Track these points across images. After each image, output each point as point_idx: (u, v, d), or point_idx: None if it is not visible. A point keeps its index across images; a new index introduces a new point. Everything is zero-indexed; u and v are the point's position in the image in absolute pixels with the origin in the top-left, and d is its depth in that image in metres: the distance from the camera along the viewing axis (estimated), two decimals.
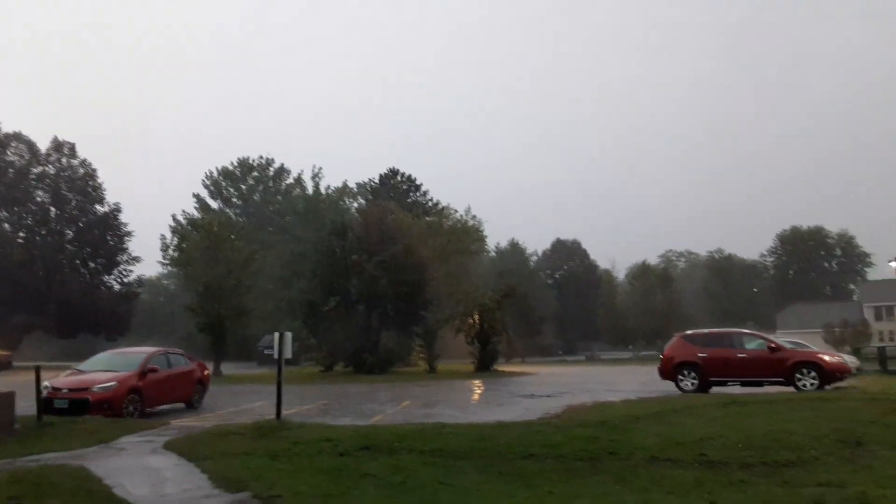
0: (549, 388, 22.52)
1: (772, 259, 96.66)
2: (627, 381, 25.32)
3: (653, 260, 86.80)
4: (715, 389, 18.19)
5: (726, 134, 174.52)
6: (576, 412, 13.54)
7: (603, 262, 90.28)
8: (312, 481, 7.84)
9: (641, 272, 70.39)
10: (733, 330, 21.13)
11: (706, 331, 21.02)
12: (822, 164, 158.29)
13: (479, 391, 23.21)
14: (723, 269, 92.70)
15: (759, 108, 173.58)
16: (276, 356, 12.67)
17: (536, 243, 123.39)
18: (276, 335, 12.74)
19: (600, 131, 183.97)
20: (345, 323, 35.92)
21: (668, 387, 18.68)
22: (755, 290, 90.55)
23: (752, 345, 18.68)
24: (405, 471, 8.31)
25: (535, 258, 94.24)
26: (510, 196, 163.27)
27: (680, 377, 18.64)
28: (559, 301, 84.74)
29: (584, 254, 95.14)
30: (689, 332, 20.89)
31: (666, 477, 8.04)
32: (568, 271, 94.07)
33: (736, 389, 17.92)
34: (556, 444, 9.56)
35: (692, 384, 18.34)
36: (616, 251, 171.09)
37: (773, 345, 18.46)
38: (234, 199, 69.49)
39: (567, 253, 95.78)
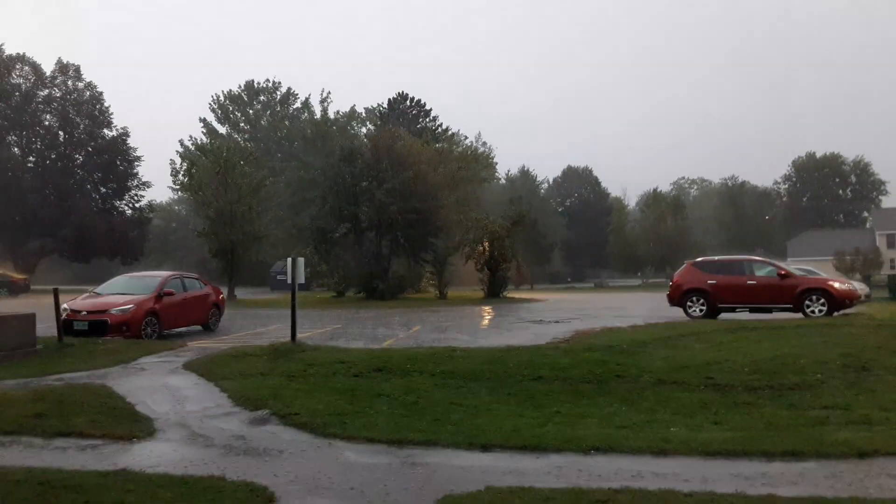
0: (557, 314, 22.79)
1: (786, 186, 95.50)
2: (636, 307, 25.54)
3: (665, 187, 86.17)
4: (723, 316, 18.35)
5: (744, 59, 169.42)
6: (584, 337, 13.73)
7: (614, 190, 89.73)
8: (328, 400, 8.08)
9: (653, 199, 69.88)
10: (743, 257, 21.11)
11: (716, 258, 21.03)
12: (841, 90, 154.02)
13: (488, 317, 23.54)
14: (735, 196, 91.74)
15: (777, 32, 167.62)
16: (289, 281, 12.82)
17: (548, 171, 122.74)
18: (289, 260, 12.85)
19: (614, 56, 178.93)
20: (355, 250, 36.16)
21: (677, 313, 18.85)
22: (767, 217, 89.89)
23: (761, 272, 18.70)
24: (417, 391, 8.54)
25: (545, 186, 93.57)
26: (522, 123, 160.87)
27: (688, 304, 18.77)
28: (569, 228, 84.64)
29: (596, 181, 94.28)
30: (698, 259, 20.88)
31: (672, 399, 8.23)
32: (579, 199, 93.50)
33: (744, 316, 18.07)
34: (564, 367, 9.75)
35: (700, 310, 18.49)
36: (628, 179, 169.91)
37: (782, 272, 18.48)
38: (242, 124, 68.70)
39: (578, 180, 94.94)
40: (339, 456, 6.08)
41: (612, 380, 9.15)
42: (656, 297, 26.48)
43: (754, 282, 18.34)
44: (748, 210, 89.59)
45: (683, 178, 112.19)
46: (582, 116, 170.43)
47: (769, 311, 18.05)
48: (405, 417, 7.37)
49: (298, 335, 13.00)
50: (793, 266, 21.45)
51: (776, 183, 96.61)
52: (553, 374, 9.36)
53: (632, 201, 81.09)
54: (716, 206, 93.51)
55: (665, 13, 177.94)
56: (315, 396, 8.27)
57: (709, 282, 18.61)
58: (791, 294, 17.81)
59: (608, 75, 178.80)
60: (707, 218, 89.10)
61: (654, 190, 72.65)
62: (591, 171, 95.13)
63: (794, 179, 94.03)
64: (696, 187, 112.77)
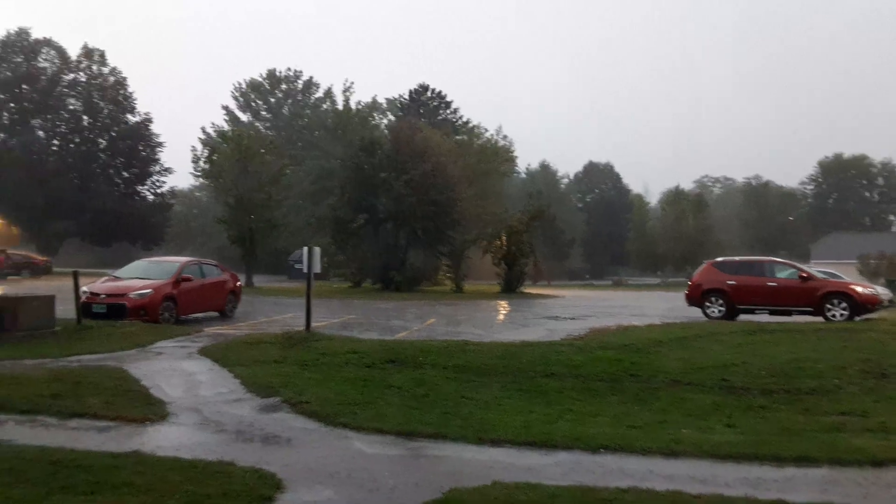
0: (573, 310, 22.69)
1: (811, 187, 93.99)
2: (653, 306, 25.36)
3: (687, 185, 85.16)
4: (742, 317, 18.15)
5: (771, 58, 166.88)
6: (599, 335, 13.65)
7: (636, 187, 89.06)
8: (339, 389, 8.11)
9: (674, 197, 69.15)
10: (764, 258, 20.84)
11: (737, 258, 20.78)
12: (870, 90, 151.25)
13: (503, 312, 23.49)
14: (759, 196, 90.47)
15: (805, 32, 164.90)
16: (305, 270, 12.88)
17: (568, 166, 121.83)
18: (305, 249, 12.91)
19: (639, 52, 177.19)
20: (373, 240, 36.23)
21: (695, 313, 18.69)
22: (791, 218, 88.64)
23: (782, 273, 18.46)
24: (429, 384, 8.54)
25: (566, 181, 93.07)
26: (543, 117, 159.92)
27: (707, 304, 18.57)
28: (589, 225, 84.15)
29: (617, 177, 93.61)
30: (718, 259, 20.66)
31: (686, 400, 8.15)
32: (599, 195, 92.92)
33: (764, 318, 17.85)
34: (577, 364, 9.70)
35: (719, 311, 18.29)
36: (650, 176, 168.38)
37: (804, 274, 18.22)
38: (263, 113, 69.00)
39: (599, 176, 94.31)
40: (349, 445, 6.10)
41: (626, 379, 9.09)
42: (675, 297, 26.27)
43: (775, 283, 18.10)
44: (772, 210, 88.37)
45: (706, 176, 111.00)
46: (605, 111, 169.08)
47: (789, 313, 17.81)
48: (415, 409, 7.37)
49: (313, 324, 13.06)
50: (815, 269, 21.10)
51: (801, 183, 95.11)
52: (566, 371, 9.32)
53: (653, 199, 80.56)
54: (739, 205, 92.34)
55: (690, 11, 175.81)
56: (327, 385, 8.31)
57: (728, 282, 18.40)
58: (812, 297, 17.56)
59: (633, 71, 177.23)
60: (729, 217, 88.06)
61: (676, 187, 71.92)
62: (612, 168, 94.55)
63: (819, 180, 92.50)
64: (719, 186, 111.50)
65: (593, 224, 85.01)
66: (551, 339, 12.85)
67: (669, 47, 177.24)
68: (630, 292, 44.23)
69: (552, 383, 8.80)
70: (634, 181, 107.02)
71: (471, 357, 10.04)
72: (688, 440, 6.35)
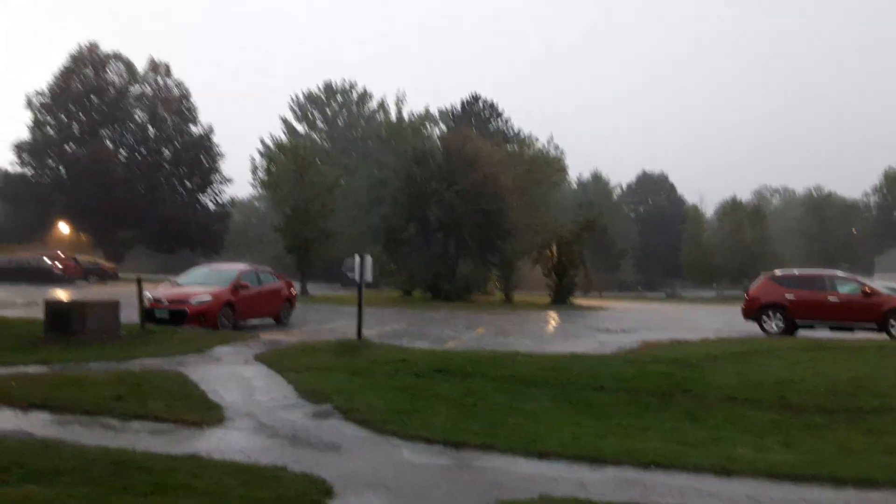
0: (625, 323, 22.36)
1: (875, 198, 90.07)
2: (708, 320, 24.77)
3: (745, 196, 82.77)
4: (801, 333, 17.58)
5: (834, 65, 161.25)
6: (651, 348, 13.43)
7: (691, 197, 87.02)
8: (389, 397, 8.21)
9: (731, 208, 67.41)
10: (825, 272, 20.14)
11: (796, 272, 20.16)
12: None
13: (553, 323, 23.32)
14: (820, 207, 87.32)
15: (870, 37, 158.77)
16: (356, 279, 13.08)
17: (621, 176, 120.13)
18: (357, 258, 13.11)
19: (695, 60, 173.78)
20: (423, 250, 36.52)
21: (752, 328, 18.19)
22: (854, 230, 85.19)
23: (844, 288, 17.82)
24: (477, 394, 8.56)
25: (618, 191, 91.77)
26: (596, 126, 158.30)
27: (765, 318, 18.08)
28: (642, 236, 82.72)
29: (671, 188, 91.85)
30: (777, 272, 20.08)
31: (741, 417, 7.95)
32: (653, 205, 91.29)
33: (824, 334, 17.25)
34: (628, 377, 9.57)
35: (777, 326, 17.79)
36: (706, 186, 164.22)
37: (867, 289, 17.55)
38: (320, 124, 70.45)
39: (653, 186, 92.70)
40: (397, 454, 6.17)
41: (678, 394, 8.91)
42: (730, 311, 25.60)
43: (836, 298, 17.48)
44: (833, 222, 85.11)
45: (765, 186, 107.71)
46: (659, 121, 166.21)
47: (851, 329, 17.19)
48: (463, 419, 7.40)
49: (364, 332, 13.25)
50: (879, 283, 20.30)
51: (865, 195, 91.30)
52: (616, 385, 9.20)
53: (709, 209, 78.52)
54: (799, 216, 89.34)
55: (744, 19, 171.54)
56: (376, 393, 8.42)
57: (787, 296, 17.88)
58: (876, 313, 16.90)
59: (688, 79, 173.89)
60: (789, 229, 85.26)
61: (733, 198, 70.05)
62: (666, 178, 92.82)
63: (884, 191, 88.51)
64: (778, 196, 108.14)
65: (646, 235, 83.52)
66: (602, 352, 12.72)
67: (726, 56, 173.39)
68: (684, 305, 43.26)
69: (602, 397, 8.71)
70: (689, 191, 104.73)
71: (520, 368, 10.02)
72: (742, 458, 6.20)
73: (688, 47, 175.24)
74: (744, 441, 6.97)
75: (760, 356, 11.89)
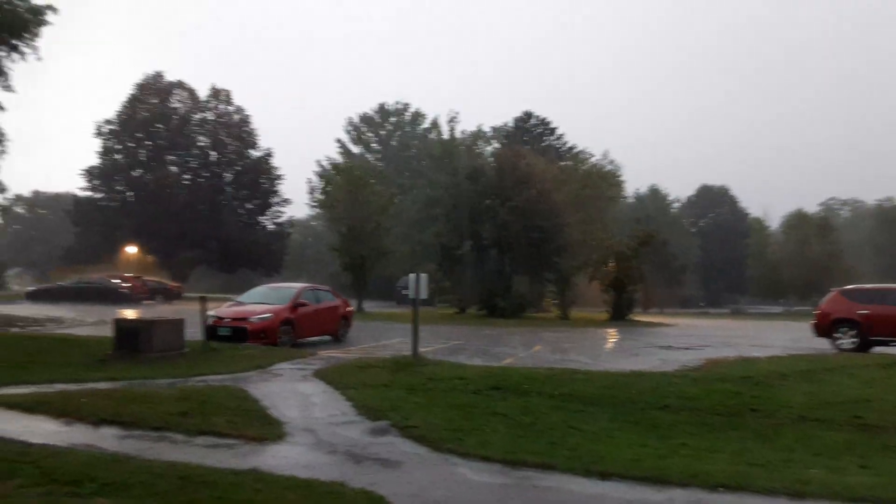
0: (688, 340, 21.75)
1: None
2: (776, 336, 23.85)
3: (812, 208, 79.73)
4: (876, 350, 16.75)
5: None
6: (716, 366, 12.99)
7: (754, 210, 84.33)
8: (446, 415, 8.18)
9: (797, 221, 64.98)
10: None
11: (868, 286, 19.28)
12: None
13: (612, 340, 22.87)
14: (893, 219, 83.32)
15: None
16: (412, 296, 13.14)
17: (680, 189, 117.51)
18: (412, 276, 13.19)
19: (753, 70, 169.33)
20: (478, 267, 36.44)
21: (823, 345, 17.43)
22: None
23: None
24: (535, 412, 8.44)
25: (677, 205, 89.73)
26: (653, 140, 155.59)
27: (836, 335, 17.34)
28: (703, 250, 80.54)
29: (733, 201, 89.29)
30: (848, 286, 19.23)
31: (813, 437, 7.60)
32: (714, 219, 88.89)
33: None
34: (693, 396, 9.28)
35: (850, 343, 17.02)
36: (770, 199, 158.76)
37: None
38: (374, 144, 71.64)
39: (714, 200, 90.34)
40: (455, 472, 6.12)
41: (746, 413, 8.60)
42: (800, 327, 24.58)
43: None
44: None
45: (833, 198, 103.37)
46: (719, 133, 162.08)
47: None
48: (521, 438, 7.30)
49: (420, 349, 13.27)
50: None
51: None
52: (680, 404, 8.94)
53: (774, 222, 75.80)
54: (870, 229, 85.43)
55: (812, 22, 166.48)
56: (433, 411, 8.40)
57: (860, 312, 17.09)
58: None
59: (747, 90, 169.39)
60: (860, 242, 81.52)
61: (799, 210, 67.58)
62: (727, 191, 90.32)
63: None
64: (847, 208, 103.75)
65: (708, 249, 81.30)
66: (664, 370, 12.37)
67: (787, 66, 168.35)
68: (749, 321, 41.82)
69: (665, 416, 8.46)
70: (753, 204, 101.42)
71: (578, 386, 9.84)
72: (816, 481, 5.91)
73: (746, 61, 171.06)
74: (817, 462, 6.67)
75: (833, 374, 11.37)
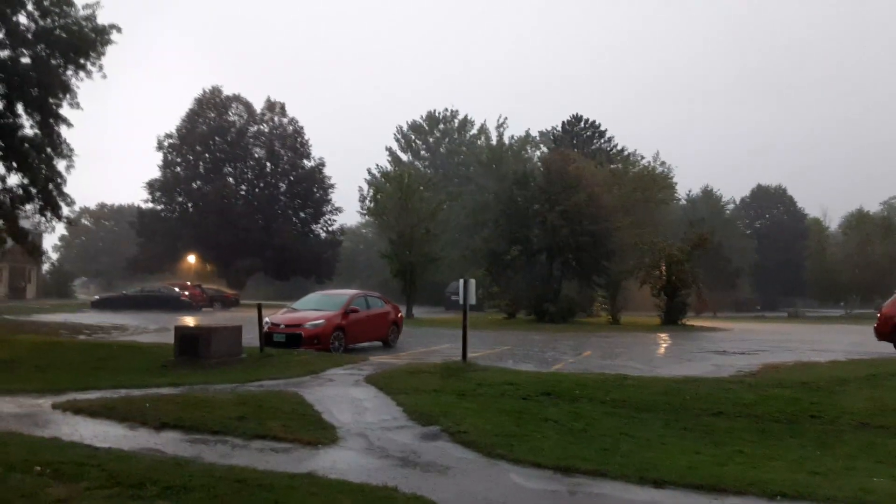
0: (743, 344, 21.19)
1: None
2: (836, 340, 23.02)
3: (873, 208, 76.60)
4: None
5: None
6: (774, 371, 12.66)
7: (812, 210, 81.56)
8: (496, 421, 8.20)
9: (858, 221, 62.61)
10: None
11: None
12: None
13: (664, 345, 22.47)
14: None
15: None
16: (461, 302, 13.21)
17: (735, 190, 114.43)
18: (461, 282, 13.26)
19: (807, 66, 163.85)
20: (527, 272, 36.27)
21: (886, 349, 16.75)
22: None
23: None
24: (586, 419, 8.39)
25: (731, 206, 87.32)
26: (706, 140, 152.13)
27: None
28: (759, 252, 78.14)
29: (790, 201, 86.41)
30: None
31: (876, 445, 7.35)
32: (770, 220, 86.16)
33: None
34: (749, 402, 9.07)
35: None
36: (828, 198, 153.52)
37: None
38: (423, 152, 72.14)
39: (770, 200, 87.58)
40: (505, 478, 6.14)
41: (805, 420, 8.36)
42: (861, 330, 23.69)
43: None
44: None
45: (894, 197, 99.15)
46: (774, 132, 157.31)
47: None
48: (572, 444, 7.27)
49: (469, 354, 13.31)
50: None
51: None
52: (736, 410, 8.75)
53: (833, 223, 73.18)
54: None
55: (862, 24, 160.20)
56: (483, 416, 8.43)
57: None
58: None
59: (802, 86, 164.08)
60: None
61: (859, 210, 65.05)
62: (784, 191, 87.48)
63: None
64: None
65: (764, 252, 78.85)
66: (719, 375, 12.12)
67: (844, 61, 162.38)
68: (808, 325, 40.42)
69: (720, 423, 8.30)
70: (810, 205, 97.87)
71: (630, 392, 9.73)
72: (881, 490, 5.72)
73: (800, 59, 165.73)
74: (880, 471, 6.45)
75: None
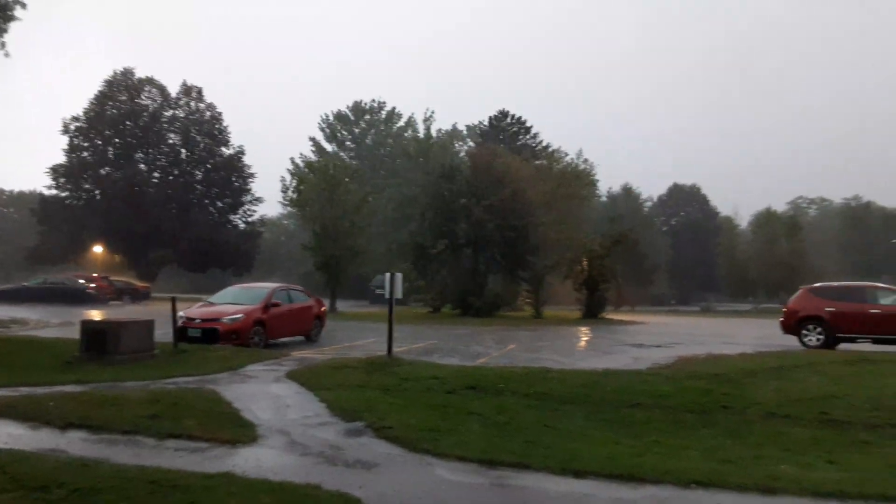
0: (659, 338, 22.00)
1: None
2: (745, 334, 24.26)
3: (780, 207, 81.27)
4: (843, 347, 17.13)
5: (868, 68, 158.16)
6: (687, 363, 13.16)
7: (724, 209, 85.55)
8: (421, 415, 8.15)
9: (766, 220, 66.21)
10: (866, 284, 19.66)
11: (836, 284, 19.72)
12: None
13: (585, 338, 23.05)
14: (859, 217, 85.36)
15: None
16: (386, 296, 13.09)
17: (652, 188, 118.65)
18: (387, 276, 13.15)
19: (723, 70, 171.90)
20: (452, 266, 36.46)
21: (791, 342, 17.77)
22: (895, 241, 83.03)
23: (887, 300, 17.38)
24: (510, 412, 8.46)
25: (649, 204, 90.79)
26: (626, 140, 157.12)
27: (804, 332, 17.69)
28: (674, 249, 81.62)
29: (704, 199, 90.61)
30: (816, 284, 19.64)
31: (782, 434, 7.74)
32: (685, 218, 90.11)
33: (867, 347, 16.78)
34: (664, 394, 9.39)
35: (817, 340, 17.37)
36: (739, 197, 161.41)
37: None
38: (348, 143, 71.23)
39: (685, 199, 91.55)
40: (431, 472, 6.10)
41: (717, 410, 8.72)
42: (768, 324, 25.05)
43: (878, 310, 17.03)
44: (874, 233, 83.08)
45: (801, 197, 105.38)
46: (689, 132, 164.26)
47: (895, 342, 16.68)
48: (497, 437, 7.31)
49: (394, 349, 13.22)
50: None
51: None
52: (652, 402, 9.03)
53: (743, 221, 77.18)
54: (837, 227, 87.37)
55: (777, 29, 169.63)
56: (408, 411, 8.37)
57: (827, 309, 17.45)
58: None
59: (717, 90, 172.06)
60: (827, 241, 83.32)
61: (768, 209, 68.82)
62: (698, 190, 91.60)
63: None
64: (815, 207, 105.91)
65: (679, 248, 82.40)
66: (637, 368, 12.50)
67: (757, 64, 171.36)
68: (719, 319, 42.49)
69: (638, 414, 8.55)
70: (722, 203, 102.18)
71: (552, 385, 9.89)
72: (786, 477, 6.01)
73: (715, 60, 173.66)
74: (787, 459, 6.78)
75: (801, 371, 11.58)
